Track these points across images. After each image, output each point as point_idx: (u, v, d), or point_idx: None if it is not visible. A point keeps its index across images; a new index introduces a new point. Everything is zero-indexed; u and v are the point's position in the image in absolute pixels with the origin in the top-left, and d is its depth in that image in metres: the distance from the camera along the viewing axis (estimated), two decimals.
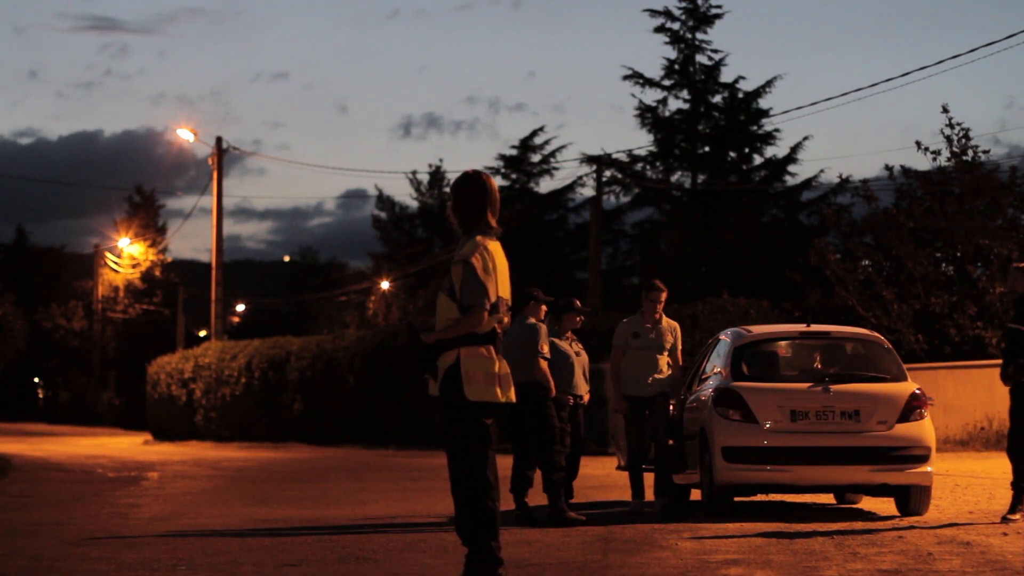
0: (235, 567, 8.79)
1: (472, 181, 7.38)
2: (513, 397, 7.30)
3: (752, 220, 44.45)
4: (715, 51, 49.84)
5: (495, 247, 7.32)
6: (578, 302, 12.96)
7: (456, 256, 7.25)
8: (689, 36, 49.72)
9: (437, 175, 62.63)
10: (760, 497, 13.83)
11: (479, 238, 7.26)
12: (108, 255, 72.18)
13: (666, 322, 13.05)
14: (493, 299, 7.18)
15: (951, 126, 28.55)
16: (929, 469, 11.93)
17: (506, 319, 7.34)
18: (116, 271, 73.11)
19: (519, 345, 11.85)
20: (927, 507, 12.04)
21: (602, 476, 19.23)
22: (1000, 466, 11.67)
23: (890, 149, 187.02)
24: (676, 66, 49.63)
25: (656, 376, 12.85)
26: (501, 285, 7.28)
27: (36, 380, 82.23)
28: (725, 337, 13.24)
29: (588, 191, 53.33)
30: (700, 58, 49.75)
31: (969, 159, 28.40)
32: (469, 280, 7.14)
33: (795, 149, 49.23)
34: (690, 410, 13.09)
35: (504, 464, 9.65)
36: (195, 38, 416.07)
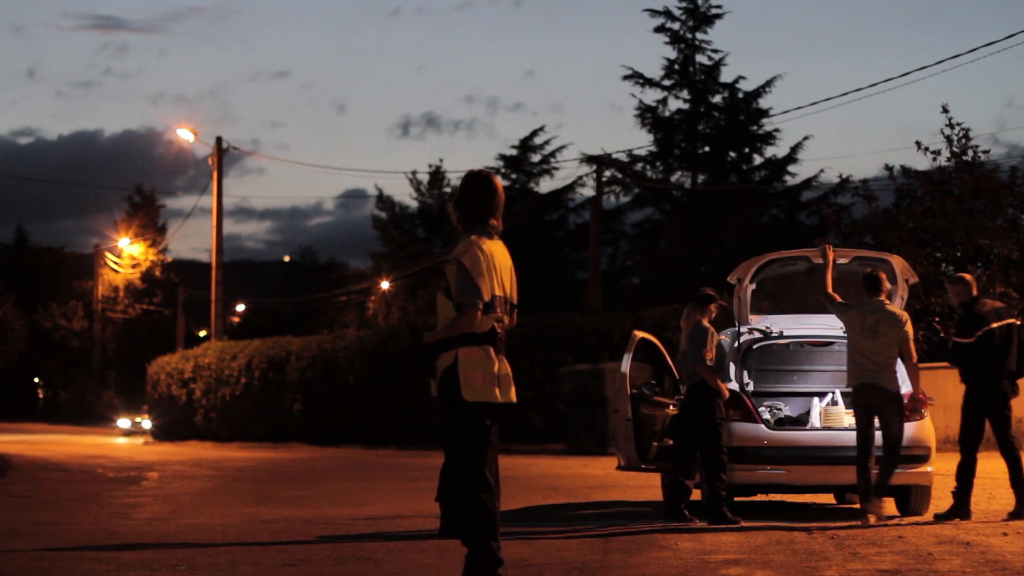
0: (235, 567, 8.79)
1: (474, 179, 7.35)
2: (513, 397, 7.27)
3: (752, 220, 44.46)
4: (715, 51, 49.96)
5: (494, 246, 7.27)
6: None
7: (449, 256, 7.23)
8: (689, 36, 49.76)
9: (437, 175, 62.66)
10: (760, 497, 13.83)
11: (474, 237, 7.23)
12: (108, 255, 72.20)
13: None
14: (487, 298, 7.12)
15: (951, 126, 28.54)
16: (929, 469, 11.95)
17: (507, 319, 7.30)
18: (116, 271, 73.15)
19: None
20: (927, 507, 12.05)
21: (602, 476, 19.22)
22: (1001, 466, 11.69)
23: (890, 149, 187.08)
24: (676, 66, 49.67)
25: None
26: (502, 284, 7.25)
27: (36, 380, 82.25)
28: (725, 337, 13.25)
29: (588, 191, 53.43)
30: (700, 58, 49.83)
31: (969, 159, 28.38)
32: (461, 279, 7.12)
33: (795, 149, 49.31)
34: None
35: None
36: (194, 37, 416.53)
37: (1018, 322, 11.76)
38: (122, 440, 50.51)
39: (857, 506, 13.41)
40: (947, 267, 28.59)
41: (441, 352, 7.16)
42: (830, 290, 11.75)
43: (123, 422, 61.63)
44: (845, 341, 13.09)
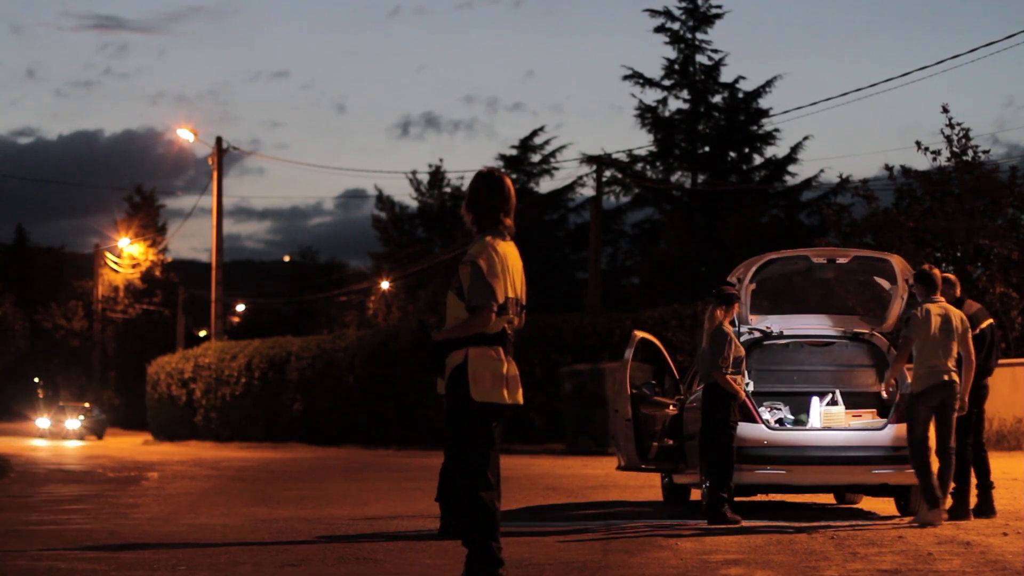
0: (235, 567, 8.78)
1: (485, 179, 7.28)
2: (520, 399, 7.25)
3: (752, 220, 44.46)
4: (715, 51, 49.98)
5: (507, 248, 7.22)
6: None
7: (464, 256, 7.20)
8: (689, 36, 49.77)
9: (437, 175, 62.62)
10: (760, 497, 13.83)
11: (489, 238, 7.19)
12: (108, 255, 72.19)
13: None
14: (501, 300, 7.09)
15: (951, 126, 28.53)
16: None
17: (516, 320, 7.27)
18: (116, 271, 73.12)
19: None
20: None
21: (602, 476, 19.22)
22: (1000, 466, 11.72)
23: (890, 149, 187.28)
24: (676, 66, 49.68)
25: None
26: (514, 285, 7.23)
27: (36, 380, 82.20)
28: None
29: (588, 191, 53.44)
30: (700, 58, 49.84)
31: (969, 159, 28.37)
32: (476, 281, 7.08)
33: (795, 149, 49.32)
34: (690, 410, 13.09)
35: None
36: (194, 37, 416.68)
37: (994, 322, 11.84)
38: (40, 442, 46.77)
39: (857, 506, 13.43)
40: (947, 267, 28.59)
41: (450, 351, 7.15)
42: (894, 376, 11.69)
43: (42, 421, 56.70)
44: (845, 341, 13.09)
